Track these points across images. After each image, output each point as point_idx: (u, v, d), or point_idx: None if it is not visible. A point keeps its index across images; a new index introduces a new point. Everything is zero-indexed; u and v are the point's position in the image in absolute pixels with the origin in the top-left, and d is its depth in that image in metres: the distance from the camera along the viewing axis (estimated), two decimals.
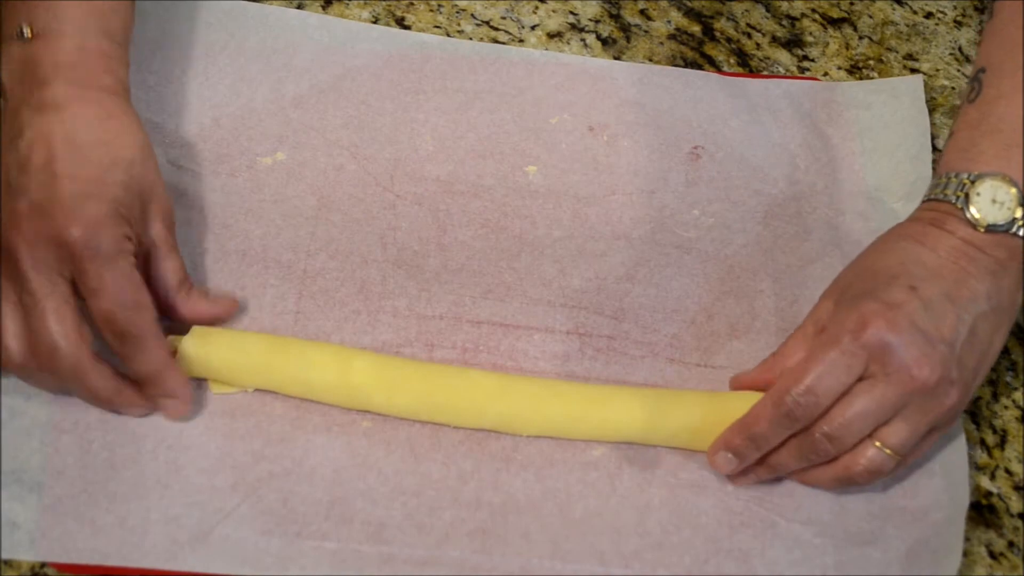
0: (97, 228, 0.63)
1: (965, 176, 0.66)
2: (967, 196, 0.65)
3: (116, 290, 0.63)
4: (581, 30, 0.85)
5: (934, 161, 0.80)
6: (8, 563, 0.63)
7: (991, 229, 0.65)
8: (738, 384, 0.70)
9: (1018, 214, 0.65)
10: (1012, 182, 0.65)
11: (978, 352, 0.65)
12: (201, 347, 0.67)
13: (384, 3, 0.85)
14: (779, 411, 0.64)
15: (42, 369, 0.63)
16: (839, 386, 0.63)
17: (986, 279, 0.65)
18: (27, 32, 0.66)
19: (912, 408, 0.63)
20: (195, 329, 0.68)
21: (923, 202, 0.69)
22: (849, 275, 0.67)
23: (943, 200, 0.66)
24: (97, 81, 0.67)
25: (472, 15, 0.85)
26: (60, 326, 0.62)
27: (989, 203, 0.65)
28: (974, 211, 0.65)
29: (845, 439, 0.63)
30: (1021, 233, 0.65)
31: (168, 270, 0.68)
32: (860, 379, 0.63)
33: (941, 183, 0.67)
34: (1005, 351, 0.75)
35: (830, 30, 0.87)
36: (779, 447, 0.65)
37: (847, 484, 0.66)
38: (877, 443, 0.64)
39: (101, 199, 0.63)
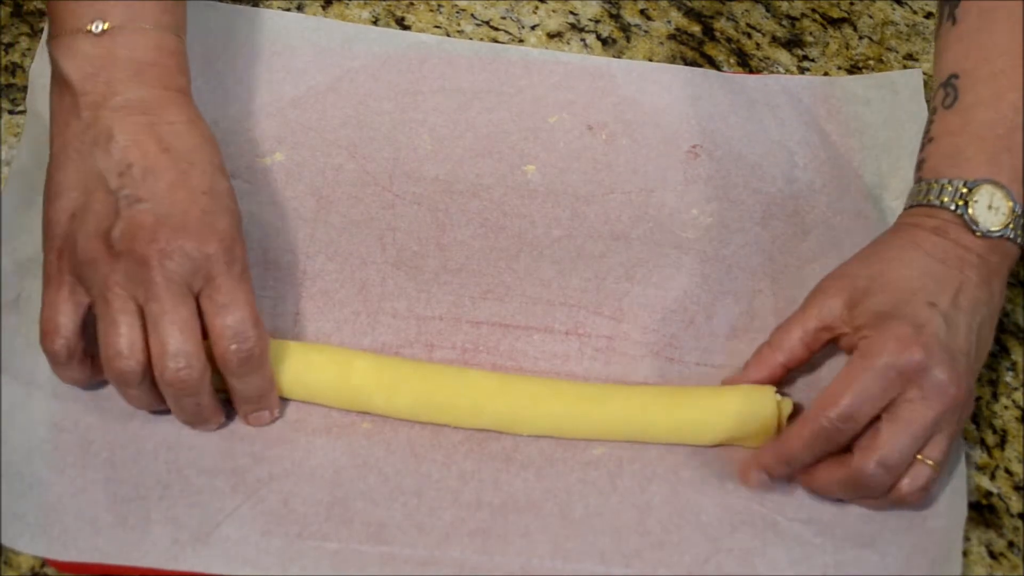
0: (232, 243, 0.63)
1: (960, 183, 0.67)
2: (966, 203, 0.66)
3: (247, 306, 0.63)
4: (581, 30, 0.85)
5: None
6: (8, 563, 0.63)
7: (988, 235, 0.66)
8: (733, 383, 0.70)
9: (1010, 218, 0.66)
10: (1004, 188, 0.66)
11: (983, 356, 0.67)
12: None
13: (384, 3, 0.85)
14: (816, 435, 0.64)
15: (162, 382, 0.62)
16: (875, 410, 0.64)
17: (983, 286, 0.66)
18: (101, 27, 0.64)
19: (947, 421, 0.64)
20: None
21: (914, 206, 0.69)
22: (860, 279, 0.67)
23: (941, 207, 0.67)
24: (175, 82, 0.66)
25: (472, 15, 0.85)
26: (192, 339, 0.61)
27: (986, 209, 0.66)
28: (974, 218, 0.66)
29: (901, 466, 0.64)
30: (1012, 236, 0.66)
31: None
32: (892, 401, 0.64)
33: (934, 189, 0.68)
34: (1005, 351, 0.75)
35: (830, 30, 0.87)
36: (825, 477, 0.66)
37: (898, 505, 0.66)
38: (919, 456, 0.64)
39: (227, 212, 0.63)
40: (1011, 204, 0.66)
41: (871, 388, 0.64)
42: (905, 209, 0.70)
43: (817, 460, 0.66)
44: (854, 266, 0.69)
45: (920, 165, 0.70)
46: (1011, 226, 0.66)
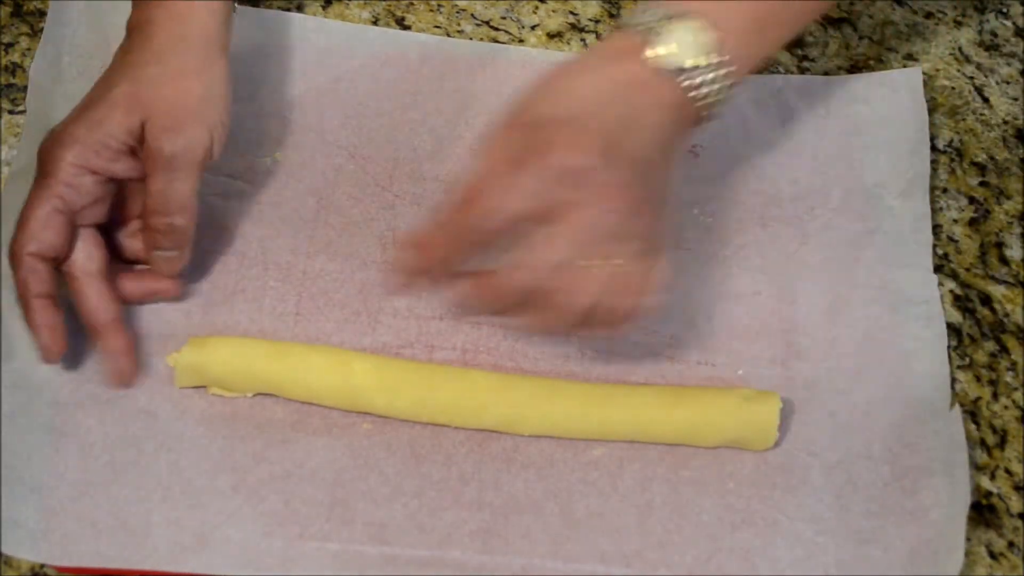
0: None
1: (663, 12, 0.63)
2: (659, 33, 0.62)
3: None
4: (581, 30, 0.85)
5: (933, 160, 0.80)
6: (8, 563, 0.63)
7: (665, 71, 0.62)
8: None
9: (701, 62, 0.62)
10: (709, 31, 0.63)
11: (659, 178, 0.63)
12: (199, 356, 0.67)
13: (384, 3, 0.84)
14: (469, 222, 0.61)
15: None
16: (528, 198, 0.60)
17: (655, 111, 0.63)
18: None
19: (620, 227, 0.61)
20: (192, 338, 0.68)
21: (623, 26, 0.65)
22: (539, 106, 0.63)
23: (636, 28, 0.63)
24: None
25: (472, 15, 0.85)
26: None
27: (683, 44, 0.62)
28: (660, 50, 0.62)
29: (561, 272, 0.61)
30: (686, 83, 0.63)
31: None
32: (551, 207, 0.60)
33: (641, 10, 0.64)
34: (1005, 351, 0.75)
35: (830, 30, 0.87)
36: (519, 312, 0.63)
37: (606, 326, 0.64)
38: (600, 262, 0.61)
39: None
40: (712, 48, 0.62)
41: (522, 187, 0.60)
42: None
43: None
44: (537, 101, 0.64)
45: None
46: (699, 71, 0.63)
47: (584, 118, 0.61)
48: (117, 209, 0.69)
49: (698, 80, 0.63)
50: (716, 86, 0.63)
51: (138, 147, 0.67)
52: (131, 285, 0.70)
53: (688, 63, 0.63)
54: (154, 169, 0.67)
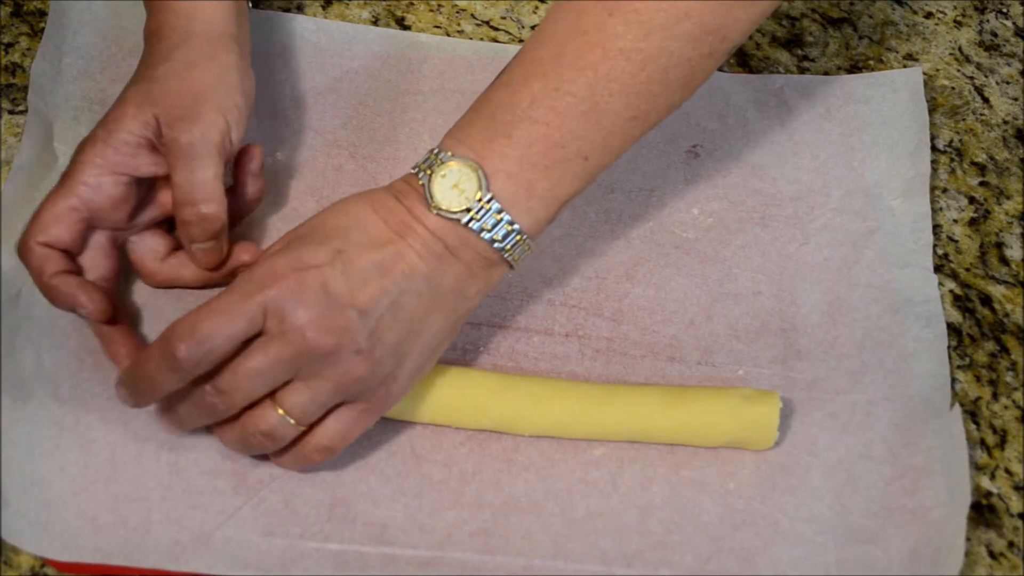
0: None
1: (442, 155, 0.63)
2: (431, 175, 0.63)
3: None
4: None
5: (933, 160, 0.80)
6: (8, 563, 0.63)
7: (442, 214, 0.62)
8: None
9: (473, 206, 0.62)
10: (479, 171, 0.62)
11: (403, 328, 0.62)
12: None
13: (384, 3, 0.85)
14: (168, 359, 0.60)
15: None
16: (230, 338, 0.60)
17: (429, 259, 0.62)
18: None
19: (310, 372, 0.61)
20: None
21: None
22: (303, 227, 0.64)
23: (413, 174, 0.64)
24: None
25: (472, 15, 0.85)
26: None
27: (450, 188, 0.62)
28: (434, 192, 0.62)
29: (234, 396, 0.61)
30: (472, 226, 0.62)
31: None
32: (260, 335, 0.61)
33: (425, 158, 0.64)
34: (1005, 351, 0.75)
35: (830, 30, 0.87)
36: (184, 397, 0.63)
37: (250, 447, 0.63)
38: (278, 408, 0.61)
39: None
40: (478, 190, 0.62)
41: (229, 312, 0.60)
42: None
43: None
44: (309, 218, 0.65)
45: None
46: (472, 213, 0.62)
47: (319, 257, 0.61)
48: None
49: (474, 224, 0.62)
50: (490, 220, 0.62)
51: (157, 142, 0.67)
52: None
53: (456, 208, 0.62)
54: (175, 160, 0.67)
